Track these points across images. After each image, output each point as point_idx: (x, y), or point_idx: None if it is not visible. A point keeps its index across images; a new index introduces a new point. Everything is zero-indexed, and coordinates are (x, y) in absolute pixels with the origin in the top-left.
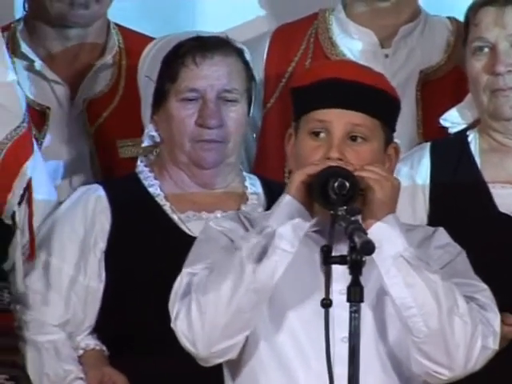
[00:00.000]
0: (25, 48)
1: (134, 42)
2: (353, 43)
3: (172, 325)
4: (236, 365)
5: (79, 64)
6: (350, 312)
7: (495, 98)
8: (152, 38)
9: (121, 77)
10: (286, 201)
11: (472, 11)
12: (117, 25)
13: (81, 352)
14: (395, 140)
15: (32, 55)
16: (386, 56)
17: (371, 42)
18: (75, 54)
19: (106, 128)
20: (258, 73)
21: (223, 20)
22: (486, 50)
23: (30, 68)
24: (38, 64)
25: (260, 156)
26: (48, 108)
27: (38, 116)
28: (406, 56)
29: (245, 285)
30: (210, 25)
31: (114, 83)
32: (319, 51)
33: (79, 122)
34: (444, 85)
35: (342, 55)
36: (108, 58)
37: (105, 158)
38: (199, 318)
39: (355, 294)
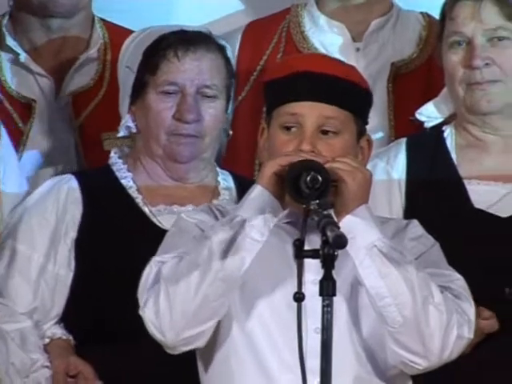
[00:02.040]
0: (10, 41)
1: (119, 36)
2: (324, 37)
3: (140, 312)
4: (209, 354)
5: (63, 57)
6: (323, 306)
7: (471, 91)
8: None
9: (106, 70)
10: (257, 191)
11: (448, 5)
12: (102, 19)
13: (47, 341)
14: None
15: (17, 48)
16: (358, 49)
17: (342, 35)
18: (59, 47)
19: (91, 121)
20: None
21: (200, 14)
22: (463, 44)
23: (15, 61)
24: (23, 56)
25: (230, 149)
26: (34, 101)
27: (23, 109)
28: (378, 49)
29: (213, 273)
30: (186, 18)
31: (99, 77)
32: (291, 45)
33: (64, 115)
34: (416, 78)
35: (313, 49)
36: (92, 52)
37: (90, 150)
38: (167, 305)
39: (328, 287)
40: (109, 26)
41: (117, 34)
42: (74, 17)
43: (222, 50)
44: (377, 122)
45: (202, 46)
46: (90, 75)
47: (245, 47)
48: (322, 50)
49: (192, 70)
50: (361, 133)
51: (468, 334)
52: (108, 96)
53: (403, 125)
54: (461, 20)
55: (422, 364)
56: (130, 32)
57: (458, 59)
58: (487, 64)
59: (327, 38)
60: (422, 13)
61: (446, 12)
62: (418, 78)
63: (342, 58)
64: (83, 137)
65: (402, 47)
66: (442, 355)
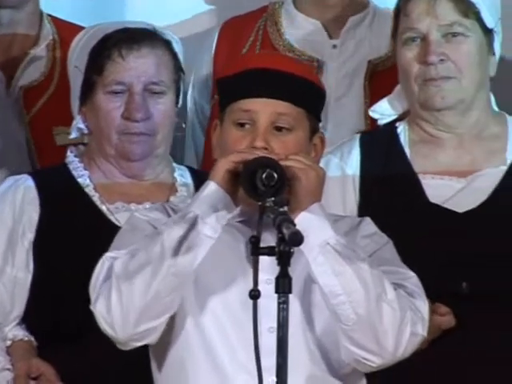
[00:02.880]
0: None
1: (69, 32)
2: (301, 34)
3: (91, 307)
4: (163, 352)
5: (13, 53)
6: (279, 303)
7: (426, 87)
8: (81, 27)
9: (56, 65)
10: (210, 188)
11: (403, 1)
12: (50, 16)
13: (9, 343)
14: (321, 130)
15: None
16: (334, 46)
17: (318, 32)
18: (8, 43)
19: (42, 116)
20: (207, 65)
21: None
22: (418, 40)
23: None
24: None
25: (208, 147)
26: None
27: None
28: (355, 46)
29: (165, 269)
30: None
31: (50, 72)
32: (267, 43)
33: (15, 109)
34: (392, 75)
35: (289, 46)
36: (42, 47)
37: (41, 145)
38: (119, 301)
39: (284, 285)
40: (58, 22)
41: (66, 31)
42: (23, 9)
43: (167, 44)
44: (353, 119)
45: (147, 42)
46: (39, 71)
47: (222, 45)
48: (298, 48)
49: (137, 68)
50: (314, 130)
51: (422, 331)
52: (59, 90)
53: None
54: (415, 16)
55: (375, 361)
56: (79, 28)
57: (413, 55)
58: (442, 60)
59: (304, 35)
60: None
61: (400, 8)
62: (395, 75)
63: (317, 55)
64: (34, 132)
65: (379, 44)
66: (395, 353)
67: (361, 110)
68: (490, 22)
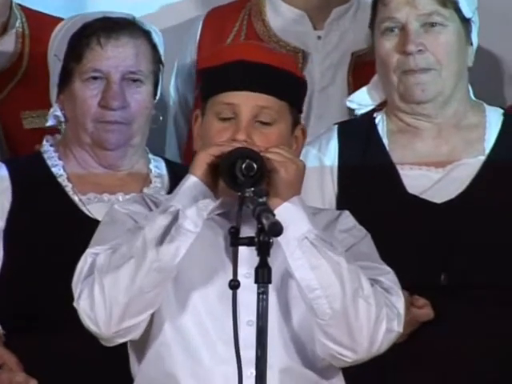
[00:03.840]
0: None
1: (37, 20)
2: (285, 25)
3: (75, 304)
4: (142, 347)
5: None
6: (258, 293)
7: (406, 79)
8: (51, 16)
9: (24, 53)
10: (191, 182)
11: None
12: (20, 5)
13: None
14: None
15: None
16: (319, 37)
17: (304, 23)
18: None
19: (9, 101)
20: (191, 55)
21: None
22: (396, 30)
23: None
24: None
25: (190, 138)
26: None
27: None
28: (339, 38)
29: (147, 264)
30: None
31: (18, 57)
32: (252, 33)
33: None
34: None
35: (274, 37)
36: (11, 34)
37: (10, 130)
38: (102, 297)
39: (263, 275)
40: (27, 12)
41: (35, 19)
42: None
43: (147, 35)
44: (337, 111)
45: (126, 32)
46: (9, 56)
47: (206, 35)
48: (282, 37)
49: (116, 57)
50: (296, 122)
51: (397, 327)
52: (27, 74)
53: None
54: (394, 5)
55: (350, 357)
56: (48, 17)
57: (392, 46)
58: (420, 50)
59: (288, 25)
60: None
61: None
62: None
63: (302, 46)
64: (2, 117)
65: (362, 36)
66: (370, 348)
67: (344, 101)
68: (467, 11)
